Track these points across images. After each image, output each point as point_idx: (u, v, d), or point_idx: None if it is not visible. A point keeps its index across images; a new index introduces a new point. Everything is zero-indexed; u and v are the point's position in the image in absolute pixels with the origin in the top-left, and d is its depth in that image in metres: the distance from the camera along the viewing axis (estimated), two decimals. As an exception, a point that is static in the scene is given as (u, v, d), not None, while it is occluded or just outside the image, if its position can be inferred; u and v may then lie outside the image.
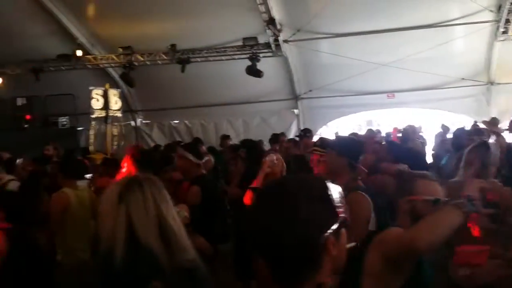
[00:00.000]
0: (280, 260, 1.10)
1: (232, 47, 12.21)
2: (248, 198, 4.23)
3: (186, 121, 15.16)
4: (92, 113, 12.53)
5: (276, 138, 9.60)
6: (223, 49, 12.32)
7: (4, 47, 12.72)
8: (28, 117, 13.82)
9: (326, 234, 1.08)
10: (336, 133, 13.03)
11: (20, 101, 14.73)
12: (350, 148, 3.58)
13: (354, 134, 9.57)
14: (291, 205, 1.09)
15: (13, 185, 6.14)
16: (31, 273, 3.10)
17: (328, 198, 1.12)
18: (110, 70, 13.85)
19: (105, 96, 12.49)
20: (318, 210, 1.10)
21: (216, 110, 14.35)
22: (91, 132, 13.07)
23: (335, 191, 1.15)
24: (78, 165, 5.18)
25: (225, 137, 10.79)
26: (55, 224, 4.60)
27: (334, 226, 1.10)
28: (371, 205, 3.19)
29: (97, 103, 12.40)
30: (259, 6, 10.56)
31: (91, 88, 12.46)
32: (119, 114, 13.12)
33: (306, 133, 9.29)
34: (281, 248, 1.08)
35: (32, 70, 13.05)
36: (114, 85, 14.05)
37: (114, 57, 12.81)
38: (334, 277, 1.13)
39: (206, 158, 5.98)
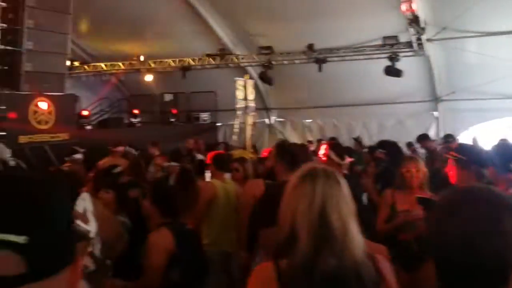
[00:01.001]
0: (469, 273, 1.08)
1: (371, 46, 11.99)
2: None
3: (318, 120, 15.23)
4: (236, 104, 13.06)
5: (424, 137, 9.01)
6: (361, 48, 12.16)
7: (157, 46, 13.95)
8: (174, 112, 14.86)
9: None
10: (474, 139, 12.06)
11: (167, 97, 15.98)
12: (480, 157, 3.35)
13: (504, 140, 8.82)
14: (493, 217, 1.07)
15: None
16: (195, 267, 3.23)
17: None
18: (250, 69, 14.39)
19: (245, 86, 13.03)
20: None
21: (349, 110, 14.21)
22: (236, 124, 13.68)
23: None
24: (226, 158, 5.49)
25: (356, 139, 10.58)
26: (201, 213, 4.83)
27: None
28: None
29: (240, 93, 12.95)
30: (402, 4, 10.24)
31: (236, 78, 13.01)
32: (253, 104, 13.56)
33: (448, 139, 8.78)
34: (476, 261, 1.06)
35: (180, 68, 14.05)
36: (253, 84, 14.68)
37: (255, 57, 13.30)
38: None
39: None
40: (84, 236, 1.15)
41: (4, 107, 8.35)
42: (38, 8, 8.14)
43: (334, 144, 5.60)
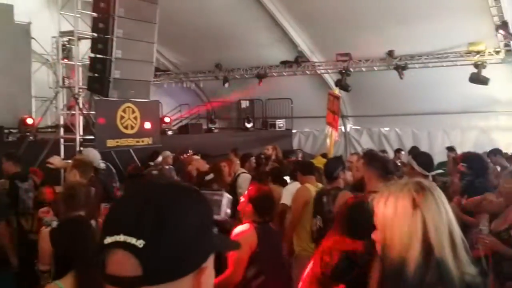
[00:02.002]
0: None
1: (455, 52, 11.51)
2: None
3: (396, 129, 14.81)
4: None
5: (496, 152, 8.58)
6: (445, 55, 11.70)
7: (235, 54, 14.23)
8: (250, 118, 15.06)
9: None
10: None
11: (244, 104, 16.24)
12: None
13: None
14: None
15: (243, 177, 6.86)
16: (273, 266, 3.31)
17: None
18: (326, 76, 14.30)
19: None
20: None
21: (430, 119, 13.69)
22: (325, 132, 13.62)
23: None
24: (310, 164, 5.54)
25: (451, 149, 10.11)
26: (296, 217, 4.90)
27: None
28: None
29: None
30: (491, 8, 9.76)
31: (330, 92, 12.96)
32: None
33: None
34: None
35: (257, 75, 14.22)
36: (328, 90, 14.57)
37: (332, 64, 13.20)
38: None
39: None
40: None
41: (94, 113, 8.86)
42: (127, 18, 8.55)
43: (418, 154, 5.42)
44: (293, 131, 15.62)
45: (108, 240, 0.86)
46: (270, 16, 12.38)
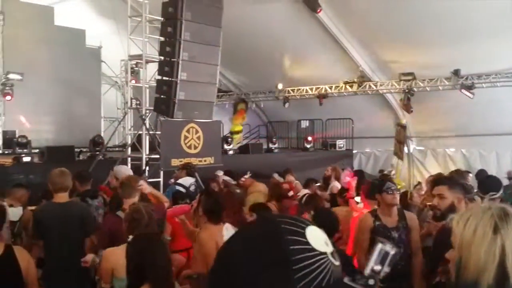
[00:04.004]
0: None
1: (527, 71, 11.04)
2: None
3: (463, 150, 14.27)
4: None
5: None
6: (514, 74, 11.24)
7: (296, 74, 14.33)
8: (310, 138, 15.03)
9: None
10: None
11: (304, 124, 16.26)
12: None
13: None
14: None
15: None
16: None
17: None
18: (388, 96, 14.07)
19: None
20: None
21: (499, 140, 13.11)
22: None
23: None
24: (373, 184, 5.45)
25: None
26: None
27: None
28: None
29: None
30: None
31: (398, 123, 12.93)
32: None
33: None
34: None
35: (317, 95, 14.22)
36: (390, 111, 14.35)
37: (395, 83, 12.99)
38: None
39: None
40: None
41: (159, 133, 9.17)
42: (192, 42, 8.85)
43: (485, 178, 5.21)
44: (354, 151, 15.43)
45: None
46: (331, 36, 12.38)
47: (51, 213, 4.34)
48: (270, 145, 14.01)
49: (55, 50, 12.91)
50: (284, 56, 13.84)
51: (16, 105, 11.66)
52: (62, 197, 4.38)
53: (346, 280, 1.76)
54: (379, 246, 1.96)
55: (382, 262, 1.93)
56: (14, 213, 4.42)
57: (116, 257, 3.42)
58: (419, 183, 8.94)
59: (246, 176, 8.19)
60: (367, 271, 1.92)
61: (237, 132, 16.01)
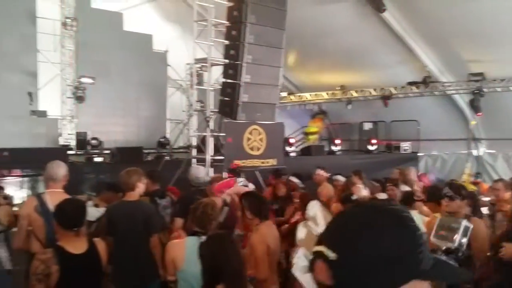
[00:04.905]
0: None
1: None
2: None
3: (537, 153, 13.52)
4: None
5: None
6: None
7: (359, 75, 14.12)
8: (373, 141, 14.73)
9: None
10: None
11: (367, 126, 15.95)
12: None
13: None
14: None
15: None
16: None
17: None
18: (456, 97, 13.56)
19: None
20: None
21: None
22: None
23: None
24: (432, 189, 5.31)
25: None
26: None
27: None
28: None
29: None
30: None
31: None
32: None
33: None
34: None
35: (381, 96, 13.93)
36: (458, 112, 13.82)
37: (464, 84, 12.51)
38: None
39: None
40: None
41: (223, 134, 9.32)
42: (256, 45, 8.93)
43: None
44: (419, 154, 14.96)
45: (314, 248, 0.96)
46: (396, 36, 12.11)
47: (120, 211, 4.51)
48: (332, 147, 13.87)
49: (124, 54, 13.43)
50: (347, 57, 13.66)
51: (88, 107, 12.23)
52: (131, 196, 4.55)
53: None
54: (463, 223, 2.34)
55: (464, 235, 2.31)
56: (93, 213, 4.62)
57: (175, 249, 3.54)
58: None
59: (321, 172, 8.13)
60: (455, 244, 2.27)
61: (312, 133, 15.98)
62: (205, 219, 3.62)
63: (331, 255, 0.92)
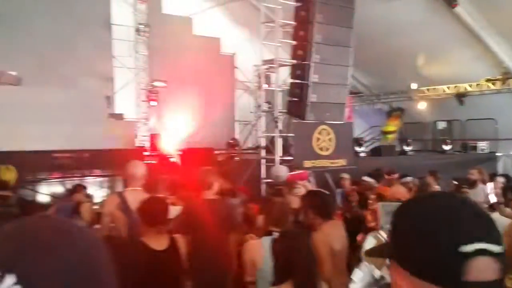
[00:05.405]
0: None
1: None
2: None
3: None
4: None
5: None
6: None
7: (431, 73, 13.65)
8: (448, 140, 14.18)
9: None
10: None
11: (440, 125, 15.40)
12: None
13: None
14: None
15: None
16: None
17: None
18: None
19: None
20: None
21: None
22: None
23: None
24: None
25: None
26: None
27: None
28: None
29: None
30: None
31: None
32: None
33: None
34: None
35: (456, 94, 13.40)
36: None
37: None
38: None
39: None
40: None
41: (292, 135, 9.33)
42: (324, 44, 8.88)
43: None
44: (498, 154, 14.22)
45: (469, 248, 0.93)
46: (470, 31, 11.61)
47: (199, 209, 4.63)
48: (404, 147, 13.48)
49: (193, 58, 13.77)
50: (418, 55, 13.25)
51: (160, 110, 12.66)
52: (208, 194, 4.66)
53: None
54: None
55: None
56: (171, 211, 4.76)
57: (254, 249, 3.57)
58: None
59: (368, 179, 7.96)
60: None
61: (390, 132, 15.53)
62: (282, 219, 3.65)
63: (497, 248, 0.93)
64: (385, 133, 15.46)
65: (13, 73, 9.04)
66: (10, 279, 0.69)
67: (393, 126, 15.55)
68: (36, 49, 10.46)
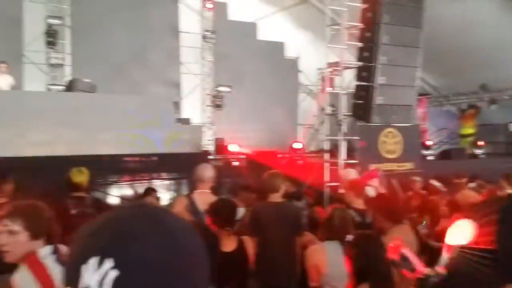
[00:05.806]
0: None
1: None
2: None
3: None
4: None
5: None
6: None
7: (503, 73, 13.00)
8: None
9: None
10: None
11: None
12: None
13: None
14: None
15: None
16: None
17: None
18: None
19: None
20: None
21: None
22: None
23: None
24: None
25: None
26: None
27: None
28: None
29: None
30: None
31: None
32: None
33: None
34: None
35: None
36: None
37: None
38: None
39: None
40: None
41: (357, 138, 9.18)
42: (391, 45, 8.70)
43: None
44: None
45: None
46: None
47: (267, 212, 4.66)
48: (475, 150, 12.92)
49: (257, 63, 13.92)
50: (488, 54, 12.67)
51: (225, 114, 12.88)
52: (275, 197, 4.69)
53: None
54: None
55: None
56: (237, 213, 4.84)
57: (318, 255, 3.55)
58: None
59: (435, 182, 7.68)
60: None
61: (468, 135, 14.47)
62: (342, 228, 3.59)
63: None
64: (463, 136, 14.59)
65: (88, 80, 9.52)
66: (108, 263, 0.75)
67: (470, 128, 14.64)
68: (110, 58, 10.99)
